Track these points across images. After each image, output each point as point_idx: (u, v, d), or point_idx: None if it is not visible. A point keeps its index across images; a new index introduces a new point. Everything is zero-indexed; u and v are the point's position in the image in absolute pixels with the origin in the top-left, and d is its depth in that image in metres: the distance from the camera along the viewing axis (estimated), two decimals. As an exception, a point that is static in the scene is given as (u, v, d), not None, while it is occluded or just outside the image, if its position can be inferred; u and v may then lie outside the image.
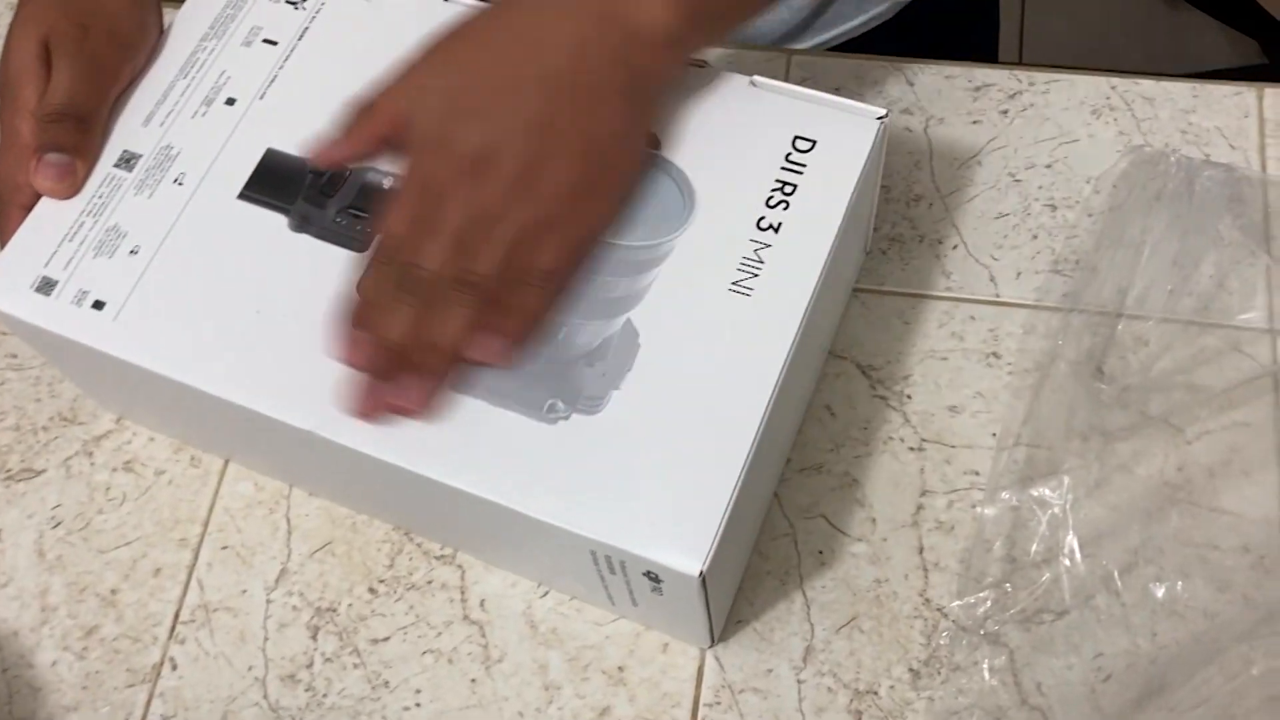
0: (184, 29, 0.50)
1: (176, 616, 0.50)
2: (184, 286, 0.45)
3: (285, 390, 0.42)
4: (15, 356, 0.56)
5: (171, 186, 0.46)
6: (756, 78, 0.46)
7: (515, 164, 0.41)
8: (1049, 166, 0.55)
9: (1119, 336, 0.50)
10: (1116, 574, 0.45)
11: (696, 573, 0.38)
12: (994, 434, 0.50)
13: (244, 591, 0.50)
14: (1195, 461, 0.48)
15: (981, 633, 0.46)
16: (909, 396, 0.51)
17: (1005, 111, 0.57)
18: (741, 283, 0.43)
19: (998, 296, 0.53)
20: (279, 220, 0.46)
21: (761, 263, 0.43)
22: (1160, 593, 0.45)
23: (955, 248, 0.54)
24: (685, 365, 0.41)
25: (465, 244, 0.42)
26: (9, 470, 0.53)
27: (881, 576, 0.48)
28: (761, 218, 0.44)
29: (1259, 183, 0.53)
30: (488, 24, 0.44)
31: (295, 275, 0.44)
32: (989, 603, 0.46)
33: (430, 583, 0.49)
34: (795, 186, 0.44)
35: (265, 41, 0.49)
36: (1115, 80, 0.57)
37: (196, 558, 0.51)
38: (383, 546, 0.50)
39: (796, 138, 0.45)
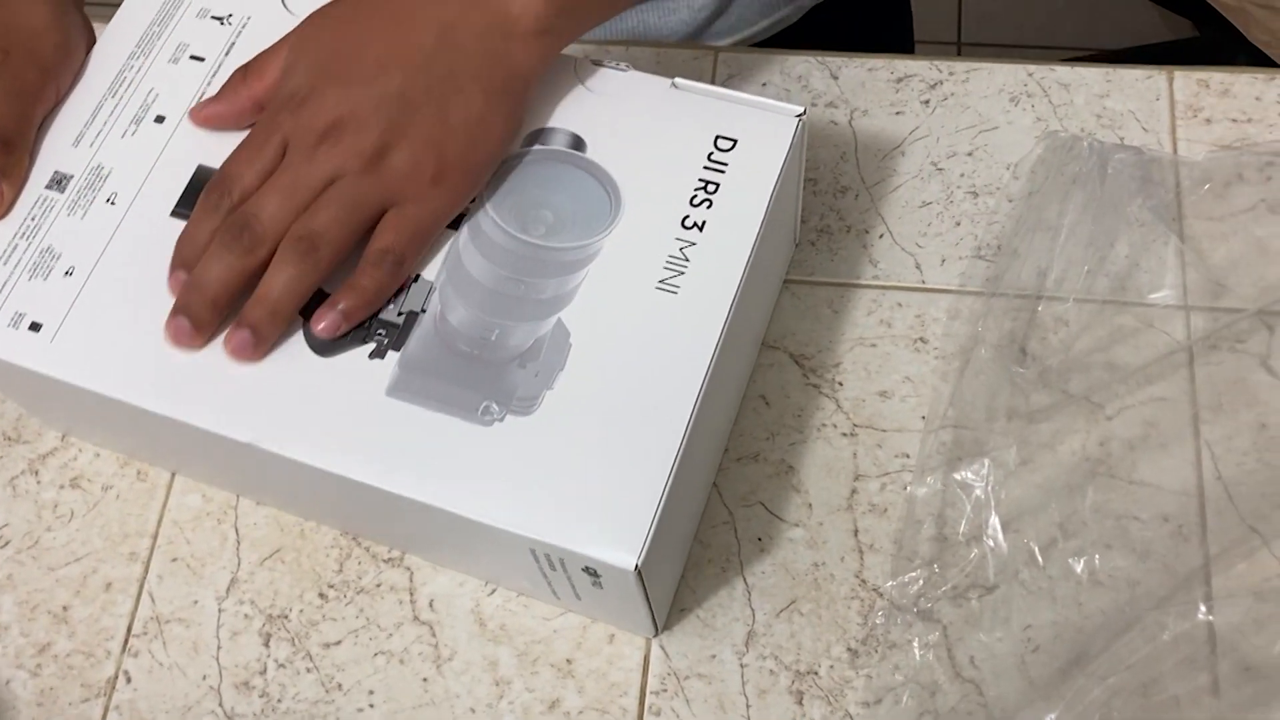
0: (110, 47, 0.50)
1: (129, 630, 0.50)
2: (120, 305, 0.45)
3: (224, 403, 0.43)
4: (-43, 378, 0.56)
5: (104, 206, 0.47)
6: (678, 80, 0.47)
7: (367, 138, 0.43)
8: (970, 154, 0.57)
9: (1040, 318, 0.52)
10: (1041, 549, 0.47)
11: (632, 567, 0.39)
12: (923, 417, 0.51)
13: (195, 602, 0.51)
14: (1115, 436, 0.50)
15: (915, 610, 0.47)
16: (840, 384, 0.52)
17: (927, 101, 0.58)
18: (668, 280, 0.44)
19: (923, 283, 0.54)
20: (212, 235, 0.46)
21: (687, 261, 0.44)
22: (1083, 564, 0.47)
23: (881, 237, 0.55)
24: (616, 363, 0.43)
25: (304, 203, 0.43)
26: (-45, 492, 0.53)
27: (819, 560, 0.49)
28: (686, 216, 0.45)
29: (1170, 163, 0.55)
30: None
31: None
32: (921, 581, 0.48)
33: (379, 585, 0.50)
34: (718, 185, 0.45)
35: (192, 58, 0.50)
36: (1032, 67, 0.58)
37: (147, 571, 0.51)
38: (331, 552, 0.51)
39: (718, 137, 0.46)
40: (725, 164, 0.45)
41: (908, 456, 0.51)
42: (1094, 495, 0.49)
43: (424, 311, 0.44)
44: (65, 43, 0.49)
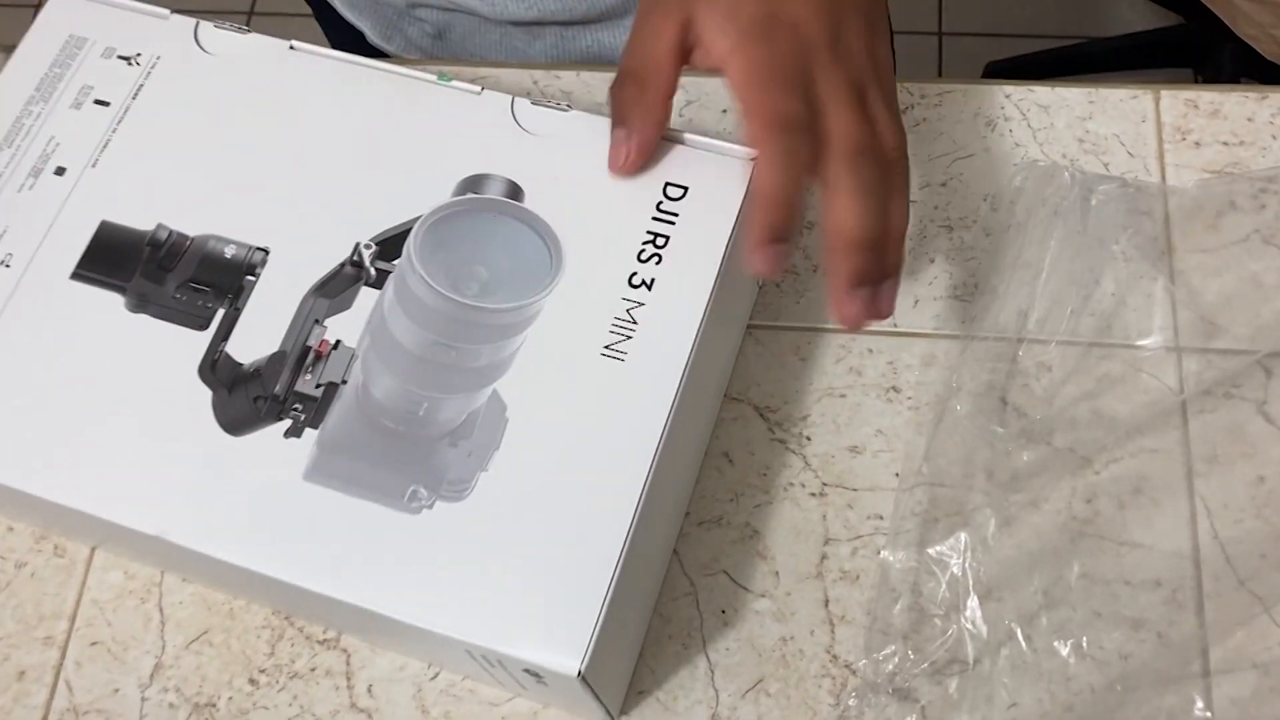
0: (7, 91, 0.46)
1: (44, 722, 0.47)
2: (16, 380, 0.41)
3: (129, 492, 0.39)
4: None
5: None
6: None
7: (842, 34, 0.40)
8: (944, 185, 0.53)
9: (1021, 363, 0.49)
10: (1023, 624, 0.44)
11: (575, 672, 0.36)
12: (896, 474, 0.48)
13: (116, 690, 0.47)
14: (1103, 493, 0.46)
15: (891, 690, 0.44)
16: (808, 438, 0.49)
17: (897, 127, 0.54)
18: (615, 346, 0.40)
19: (895, 326, 0.50)
20: (116, 300, 0.42)
21: (635, 324, 0.40)
22: (1071, 636, 0.44)
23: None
24: (558, 441, 0.39)
25: (870, 118, 0.40)
26: None
27: (787, 634, 0.46)
28: (633, 274, 0.41)
29: (1157, 192, 0.51)
30: None
31: (134, 361, 0.41)
32: (897, 657, 0.44)
33: (314, 670, 0.46)
34: (668, 239, 0.41)
35: (97, 102, 0.46)
36: (1010, 89, 0.55)
37: (64, 656, 0.48)
38: (262, 633, 0.47)
39: (667, 184, 0.42)
40: (675, 214, 0.42)
41: (881, 518, 0.47)
42: (1080, 559, 0.45)
43: (344, 383, 0.40)
44: None
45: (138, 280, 0.42)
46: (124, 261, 0.43)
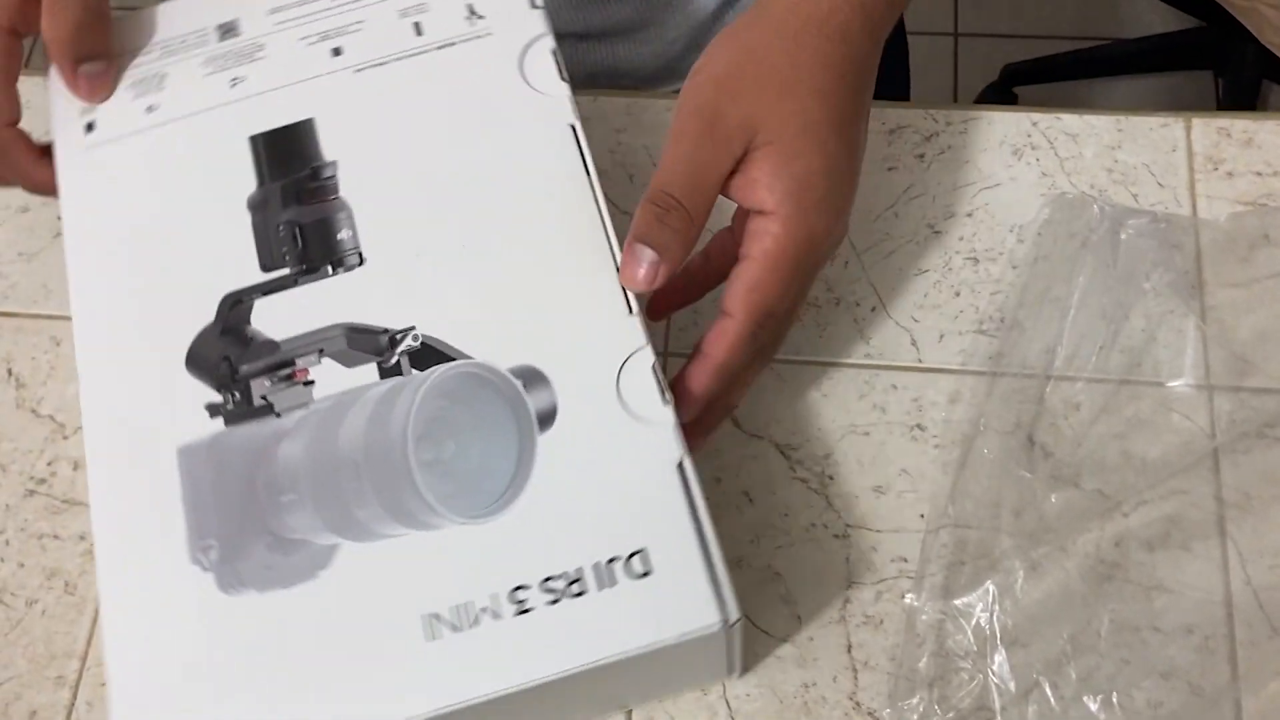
0: None
1: (56, 764, 0.46)
2: None
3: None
4: None
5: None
6: None
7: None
8: (970, 215, 0.52)
9: (1049, 401, 0.48)
10: (1051, 670, 0.43)
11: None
12: (922, 515, 0.47)
13: (128, 732, 0.46)
14: (1133, 536, 0.45)
15: (915, 739, 0.43)
16: (831, 478, 0.48)
17: (922, 156, 0.53)
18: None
19: (920, 362, 0.49)
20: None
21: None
22: (1100, 685, 0.43)
23: (874, 310, 0.51)
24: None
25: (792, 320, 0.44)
26: None
27: (809, 680, 0.45)
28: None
29: (1188, 225, 0.50)
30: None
31: None
32: (922, 706, 0.43)
33: None
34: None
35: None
36: (1036, 116, 0.54)
37: (75, 697, 0.47)
38: (276, 674, 0.47)
39: None
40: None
41: (906, 560, 0.46)
42: (1109, 605, 0.44)
43: (278, 416, 0.40)
44: None
45: (271, 186, 0.43)
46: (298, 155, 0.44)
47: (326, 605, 0.37)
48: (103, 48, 0.46)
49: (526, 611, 0.36)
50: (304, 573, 0.38)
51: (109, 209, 0.45)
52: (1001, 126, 0.53)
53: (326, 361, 0.40)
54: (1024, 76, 1.49)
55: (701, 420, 0.42)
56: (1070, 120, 0.53)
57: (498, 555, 0.37)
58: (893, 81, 0.72)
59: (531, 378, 0.39)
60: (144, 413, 0.41)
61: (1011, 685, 0.43)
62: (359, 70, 0.45)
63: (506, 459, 0.38)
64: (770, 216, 0.40)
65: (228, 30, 0.46)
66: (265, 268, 0.42)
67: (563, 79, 0.43)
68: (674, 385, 0.41)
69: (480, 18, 0.44)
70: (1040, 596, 0.44)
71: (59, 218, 0.56)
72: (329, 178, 0.43)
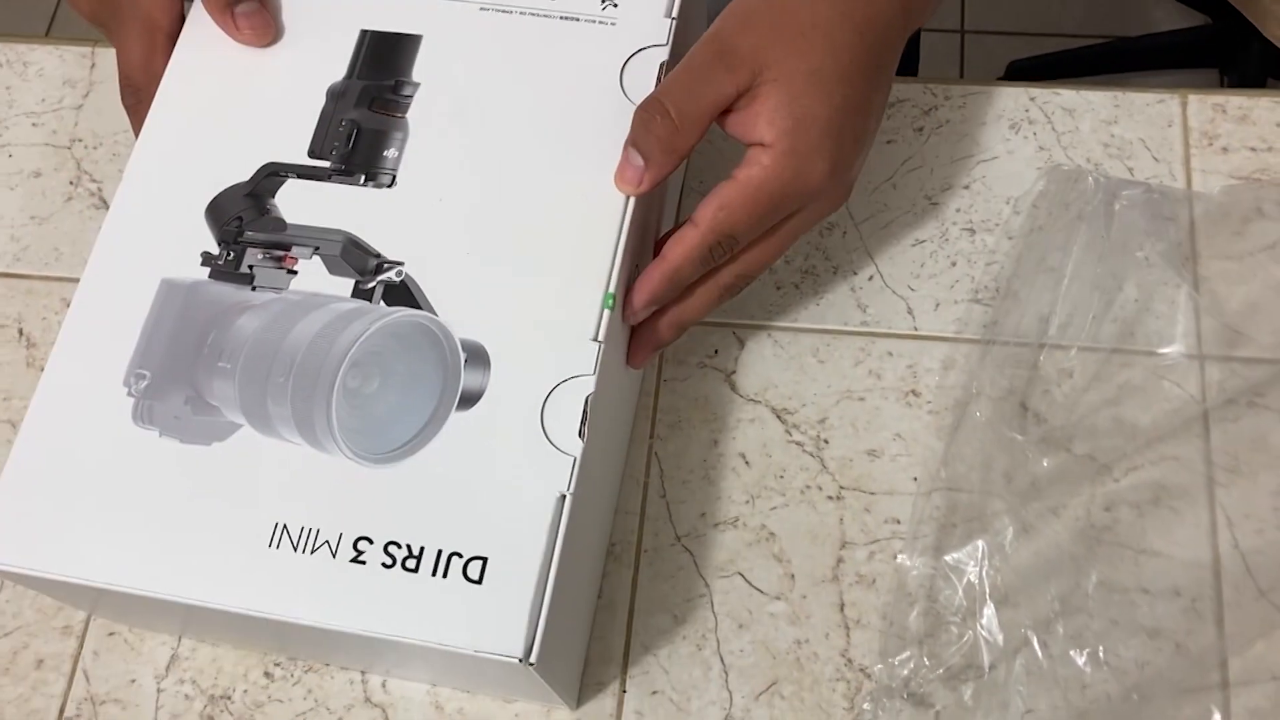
0: None
1: (61, 712, 0.47)
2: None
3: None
4: (-118, 435, 0.52)
5: None
6: None
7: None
8: (967, 187, 0.53)
9: (1042, 368, 0.48)
10: (1040, 628, 0.43)
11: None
12: (915, 478, 0.48)
13: (133, 681, 0.47)
14: (1123, 501, 0.46)
15: (905, 694, 0.44)
16: (826, 441, 0.49)
17: (920, 129, 0.54)
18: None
19: (916, 330, 0.50)
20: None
21: None
22: (1087, 644, 0.43)
23: (871, 279, 0.51)
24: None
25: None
26: (-122, 559, 0.50)
27: (802, 637, 0.46)
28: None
29: (1182, 197, 0.51)
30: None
31: None
32: (912, 662, 0.44)
33: (329, 664, 0.47)
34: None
35: None
36: (1035, 91, 0.54)
37: (82, 646, 0.48)
38: (278, 626, 0.47)
39: None
40: None
41: (898, 522, 0.47)
42: (1099, 567, 0.45)
43: (254, 289, 0.42)
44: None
45: (355, 82, 0.45)
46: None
47: (206, 474, 0.39)
48: None
49: (359, 562, 0.37)
50: (201, 436, 0.39)
51: (212, 56, 0.46)
52: (1000, 101, 0.54)
53: (316, 260, 0.42)
54: (1029, 73, 1.49)
55: (650, 331, 0.44)
56: (1068, 95, 0.54)
57: (361, 501, 0.38)
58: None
59: (476, 356, 0.40)
60: (152, 241, 0.43)
61: (1000, 641, 0.43)
62: (484, 9, 0.45)
63: (416, 419, 0.39)
64: (764, 149, 0.40)
65: None
66: (311, 154, 0.44)
67: None
68: (628, 287, 0.42)
69: (614, 5, 0.45)
70: (1030, 556, 0.45)
71: (70, 183, 0.57)
72: (406, 96, 0.44)
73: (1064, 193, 0.51)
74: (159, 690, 0.47)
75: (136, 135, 0.46)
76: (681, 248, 0.41)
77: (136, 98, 0.47)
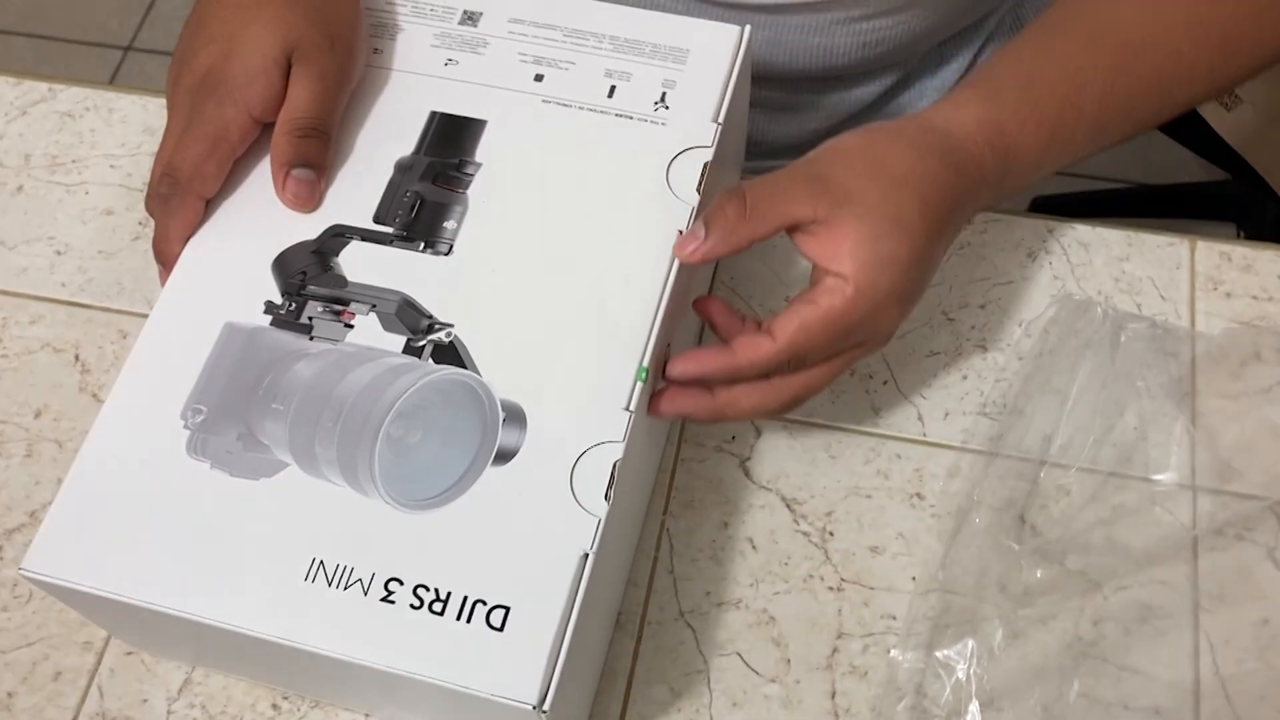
0: None
1: (73, 724, 0.49)
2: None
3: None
4: (-66, 442, 0.55)
5: None
6: None
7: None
8: (982, 307, 0.56)
9: (1042, 485, 0.51)
10: (1024, 734, 0.45)
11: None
12: (913, 577, 0.50)
13: (145, 701, 0.49)
14: (1111, 618, 0.48)
15: (888, 785, 0.45)
16: (831, 534, 0.51)
17: (943, 249, 0.57)
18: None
19: (925, 436, 0.53)
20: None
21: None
22: (1068, 753, 0.45)
23: (885, 383, 0.54)
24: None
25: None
26: (-84, 560, 0.52)
27: (792, 720, 0.47)
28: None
29: (1185, 335, 0.53)
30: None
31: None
32: (897, 754, 0.46)
33: (335, 704, 0.48)
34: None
35: None
36: (1053, 224, 0.58)
37: (100, 662, 0.50)
38: (290, 661, 0.49)
39: None
40: None
41: (894, 618, 0.49)
42: (1082, 679, 0.47)
43: (311, 338, 0.45)
44: (365, 39, 0.50)
45: (422, 158, 0.48)
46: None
47: (251, 507, 0.41)
48: (320, 159, 0.47)
49: (389, 602, 0.39)
50: (250, 471, 0.42)
51: None
52: (1020, 230, 0.58)
53: (372, 317, 0.45)
54: (1051, 208, 1.54)
55: (681, 397, 0.45)
56: (1084, 230, 0.57)
57: (395, 544, 0.40)
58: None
59: (514, 416, 0.42)
60: (219, 287, 0.46)
61: (983, 742, 0.45)
62: (546, 101, 0.49)
63: (453, 471, 0.41)
64: (845, 281, 0.42)
65: (469, 17, 0.51)
66: (376, 220, 0.47)
67: (698, 190, 0.47)
68: (661, 361, 0.44)
69: (665, 108, 0.49)
70: (1018, 661, 0.47)
71: (139, 223, 0.61)
72: (468, 174, 0.48)
73: (1074, 320, 0.54)
74: (169, 712, 0.49)
75: (160, 230, 0.47)
76: (754, 354, 0.43)
77: (173, 190, 0.46)
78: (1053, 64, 0.48)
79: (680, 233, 0.46)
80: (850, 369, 0.52)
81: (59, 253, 0.60)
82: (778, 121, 0.69)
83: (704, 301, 0.47)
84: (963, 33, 0.67)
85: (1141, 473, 0.51)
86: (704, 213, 0.44)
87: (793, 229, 0.44)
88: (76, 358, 0.57)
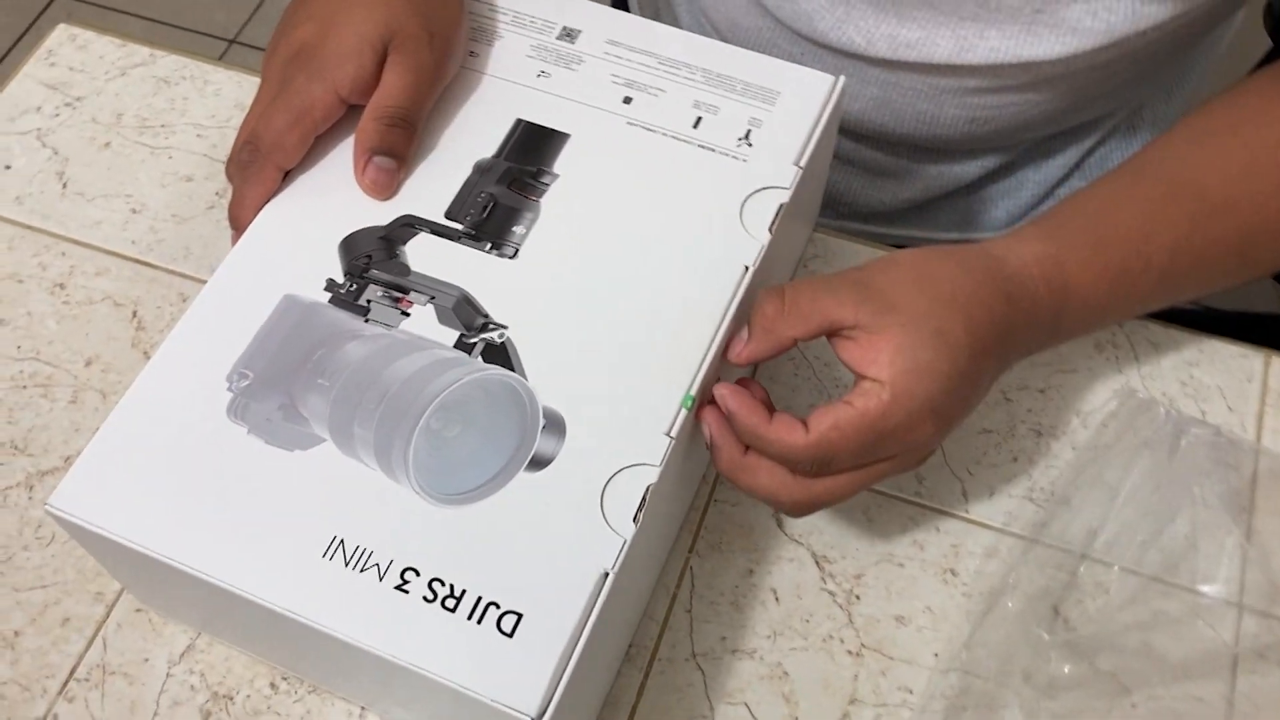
0: None
1: (72, 672, 0.48)
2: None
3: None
4: (-15, 375, 0.55)
5: None
6: None
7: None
8: (1042, 391, 0.54)
9: (1081, 578, 0.49)
10: (1032, 831, 0.43)
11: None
12: (936, 654, 0.48)
13: (146, 660, 0.48)
14: (1136, 726, 0.46)
15: None
16: (858, 597, 0.50)
17: (1009, 328, 0.56)
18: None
19: (967, 512, 0.51)
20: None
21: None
22: None
23: (933, 454, 0.53)
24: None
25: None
26: (-52, 488, 0.52)
27: (792, 781, 0.46)
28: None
29: (1249, 449, 0.52)
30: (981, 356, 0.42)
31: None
32: (896, 833, 0.44)
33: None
34: None
35: None
36: (1125, 320, 0.56)
37: (109, 615, 0.50)
38: (295, 643, 0.49)
39: None
40: None
41: (910, 692, 0.47)
42: (1101, 786, 0.45)
43: (367, 320, 0.44)
44: (465, 37, 0.51)
45: (501, 162, 0.49)
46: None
47: (281, 476, 0.41)
48: (403, 150, 0.47)
49: (403, 590, 0.39)
50: (286, 442, 0.42)
51: None
52: (1089, 320, 0.56)
53: (429, 308, 0.45)
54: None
55: (718, 422, 0.43)
56: (1156, 329, 0.56)
57: (417, 535, 0.40)
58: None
59: (554, 424, 0.42)
60: (284, 257, 0.46)
61: (988, 833, 0.43)
62: (631, 123, 0.49)
63: (486, 470, 0.41)
64: (881, 386, 0.41)
65: (568, 34, 0.52)
66: (448, 215, 0.47)
67: (769, 230, 0.46)
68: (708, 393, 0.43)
69: (749, 145, 0.49)
70: (1034, 757, 0.45)
71: (216, 194, 0.62)
72: (544, 183, 0.48)
73: (1134, 417, 0.52)
74: (168, 674, 0.48)
75: (236, 196, 0.47)
76: (787, 436, 0.41)
77: (253, 157, 0.47)
78: (1126, 209, 0.46)
79: (746, 269, 0.45)
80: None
81: (134, 211, 0.61)
82: (874, 185, 0.68)
83: (746, 382, 0.45)
84: (1074, 130, 0.66)
85: (1187, 582, 0.49)
86: (753, 317, 0.43)
87: (833, 333, 0.42)
88: (134, 314, 0.58)
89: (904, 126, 0.61)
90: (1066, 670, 0.47)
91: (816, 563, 0.50)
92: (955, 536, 0.51)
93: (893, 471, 0.43)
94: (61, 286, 0.58)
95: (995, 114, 0.59)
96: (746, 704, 0.47)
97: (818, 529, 0.51)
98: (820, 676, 0.48)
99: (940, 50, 0.55)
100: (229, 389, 0.43)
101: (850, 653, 0.48)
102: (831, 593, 0.50)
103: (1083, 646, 0.47)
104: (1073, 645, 0.47)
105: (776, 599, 0.50)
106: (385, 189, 0.47)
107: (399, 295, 0.45)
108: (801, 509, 0.43)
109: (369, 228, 0.47)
